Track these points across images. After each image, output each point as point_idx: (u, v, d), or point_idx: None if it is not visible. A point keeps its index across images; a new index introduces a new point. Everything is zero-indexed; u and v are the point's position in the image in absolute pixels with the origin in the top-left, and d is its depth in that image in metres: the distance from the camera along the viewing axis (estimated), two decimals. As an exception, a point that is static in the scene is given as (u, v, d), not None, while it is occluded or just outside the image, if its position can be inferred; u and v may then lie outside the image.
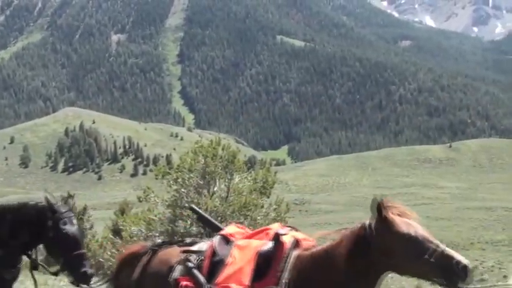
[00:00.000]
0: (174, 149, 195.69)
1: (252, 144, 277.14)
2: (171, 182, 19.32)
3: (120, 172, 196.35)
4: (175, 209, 18.95)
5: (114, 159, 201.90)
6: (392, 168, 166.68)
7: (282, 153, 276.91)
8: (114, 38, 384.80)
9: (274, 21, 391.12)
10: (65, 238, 5.32)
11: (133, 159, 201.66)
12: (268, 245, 4.87)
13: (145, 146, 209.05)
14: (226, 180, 19.32)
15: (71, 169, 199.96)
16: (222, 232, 5.20)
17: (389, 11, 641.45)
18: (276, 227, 5.15)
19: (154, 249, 5.41)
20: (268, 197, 19.88)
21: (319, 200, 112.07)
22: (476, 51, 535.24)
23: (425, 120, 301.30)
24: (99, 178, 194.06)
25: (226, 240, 5.09)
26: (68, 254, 5.28)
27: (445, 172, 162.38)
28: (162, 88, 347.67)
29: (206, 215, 5.93)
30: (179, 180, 19.16)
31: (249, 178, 19.79)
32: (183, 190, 19.01)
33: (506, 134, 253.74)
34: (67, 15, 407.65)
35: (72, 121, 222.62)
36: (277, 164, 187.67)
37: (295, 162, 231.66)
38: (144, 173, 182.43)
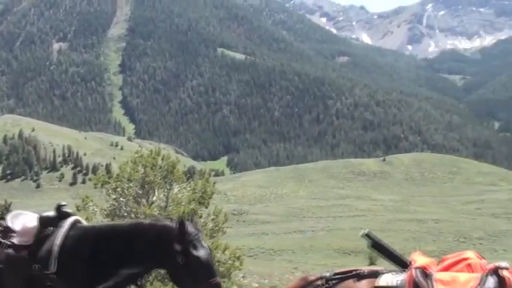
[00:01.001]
0: (114, 158, 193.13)
1: (192, 155, 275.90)
2: (110, 191, 19.13)
3: (59, 181, 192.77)
4: (114, 218, 18.76)
5: (53, 167, 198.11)
6: (328, 180, 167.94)
7: (221, 164, 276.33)
8: (56, 46, 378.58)
9: (215, 34, 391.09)
10: (197, 264, 4.37)
11: (72, 168, 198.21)
12: (488, 282, 4.05)
13: (85, 155, 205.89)
14: (166, 190, 19.23)
15: (8, 177, 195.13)
16: (419, 264, 4.47)
17: (327, 27, 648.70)
18: (471, 256, 4.44)
19: (332, 282, 4.66)
20: (206, 207, 19.86)
21: (257, 211, 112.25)
22: (410, 68, 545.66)
23: (360, 134, 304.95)
24: (38, 186, 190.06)
25: (425, 273, 4.37)
26: (202, 282, 4.35)
27: (379, 185, 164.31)
28: (103, 97, 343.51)
29: (384, 243, 4.96)
30: (118, 189, 18.98)
31: (188, 188, 19.75)
32: (122, 199, 18.83)
33: (437, 149, 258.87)
34: (8, 22, 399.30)
35: (11, 128, 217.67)
36: (216, 175, 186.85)
37: (234, 173, 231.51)
38: (83, 182, 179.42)
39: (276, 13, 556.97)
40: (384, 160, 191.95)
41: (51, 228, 4.93)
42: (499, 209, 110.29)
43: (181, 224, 4.43)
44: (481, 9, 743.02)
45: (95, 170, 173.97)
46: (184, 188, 19.61)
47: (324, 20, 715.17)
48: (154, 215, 17.66)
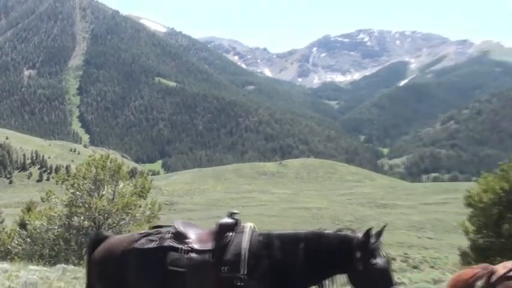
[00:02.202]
0: (72, 161, 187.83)
1: (134, 159, 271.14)
2: (69, 186, 18.74)
3: (28, 178, 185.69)
4: (72, 208, 18.37)
5: (23, 168, 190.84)
6: (239, 178, 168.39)
7: (157, 166, 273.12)
8: (26, 73, 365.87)
9: (153, 66, 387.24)
10: (376, 271, 3.90)
11: (39, 168, 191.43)
12: None
13: (49, 158, 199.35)
14: (113, 185, 18.92)
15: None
16: None
17: (239, 63, 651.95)
18: None
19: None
20: (145, 199, 19.64)
21: (184, 202, 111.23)
22: (300, 95, 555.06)
23: (263, 144, 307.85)
24: (10, 182, 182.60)
25: None
26: None
27: (276, 182, 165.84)
28: (64, 113, 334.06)
29: None
30: (75, 185, 18.61)
31: (131, 184, 19.49)
32: (78, 193, 18.46)
33: (320, 155, 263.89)
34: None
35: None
36: (153, 174, 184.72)
37: (167, 173, 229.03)
38: (48, 179, 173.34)
39: (200, 51, 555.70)
40: (281, 163, 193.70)
41: (231, 233, 4.40)
42: (364, 200, 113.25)
43: (367, 234, 3.98)
44: (352, 53, 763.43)
45: (57, 170, 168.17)
46: (128, 184, 19.35)
47: (236, 57, 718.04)
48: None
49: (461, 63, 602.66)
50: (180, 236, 4.37)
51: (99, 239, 4.73)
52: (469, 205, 20.92)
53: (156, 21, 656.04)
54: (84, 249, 16.11)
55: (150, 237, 4.42)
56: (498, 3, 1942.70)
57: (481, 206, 20.08)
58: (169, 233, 4.43)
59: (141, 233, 4.58)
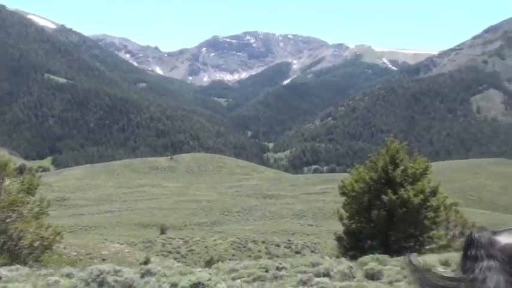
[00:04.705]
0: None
1: (23, 156, 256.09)
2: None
3: None
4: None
5: None
6: (131, 173, 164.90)
7: (47, 162, 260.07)
8: None
9: (42, 63, 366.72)
10: None
11: None
12: None
13: None
14: (-1, 183, 17.84)
15: None
16: None
17: (131, 61, 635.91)
18: None
19: None
20: (33, 196, 18.71)
21: (76, 197, 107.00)
22: (190, 93, 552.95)
23: (154, 140, 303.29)
24: None
25: None
26: None
27: (168, 176, 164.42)
28: None
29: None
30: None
31: (18, 181, 18.49)
32: (-40, 191, 17.22)
33: (210, 150, 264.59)
34: None
35: None
36: (44, 171, 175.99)
37: (58, 169, 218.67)
38: None
39: (92, 49, 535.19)
40: (172, 158, 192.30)
41: None
42: (251, 191, 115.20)
43: None
44: (239, 53, 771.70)
45: None
46: (15, 181, 18.31)
47: (127, 55, 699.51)
48: None
49: (337, 64, 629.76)
50: None
51: None
52: (343, 194, 21.98)
53: (45, 17, 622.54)
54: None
55: None
56: (371, 10, 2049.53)
57: (353, 194, 21.19)
58: None
59: None
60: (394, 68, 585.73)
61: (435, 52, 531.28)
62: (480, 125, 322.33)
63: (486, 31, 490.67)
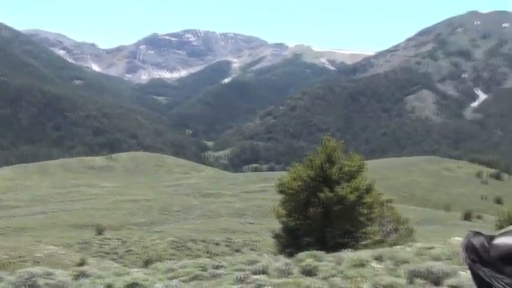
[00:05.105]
0: None
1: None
2: None
3: None
4: None
5: None
6: (66, 173, 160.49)
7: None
8: None
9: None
10: None
11: None
12: None
13: None
14: None
15: None
16: None
17: (66, 57, 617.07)
18: None
19: None
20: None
21: (7, 198, 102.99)
22: (128, 90, 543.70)
23: (91, 139, 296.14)
24: None
25: None
26: None
27: (105, 176, 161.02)
28: None
29: None
30: None
31: None
32: None
33: (148, 149, 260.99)
34: None
35: None
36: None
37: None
38: None
39: (25, 44, 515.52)
40: (109, 157, 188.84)
41: None
42: (190, 190, 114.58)
43: None
44: (179, 51, 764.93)
45: None
46: None
47: (63, 52, 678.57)
48: None
49: (277, 64, 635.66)
50: None
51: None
52: (281, 192, 22.24)
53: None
54: None
55: None
56: (310, 10, 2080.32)
57: (291, 192, 21.49)
58: None
59: None
60: (332, 68, 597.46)
61: (372, 53, 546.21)
62: (414, 124, 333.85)
63: (419, 34, 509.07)
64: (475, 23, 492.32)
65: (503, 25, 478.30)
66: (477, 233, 3.01)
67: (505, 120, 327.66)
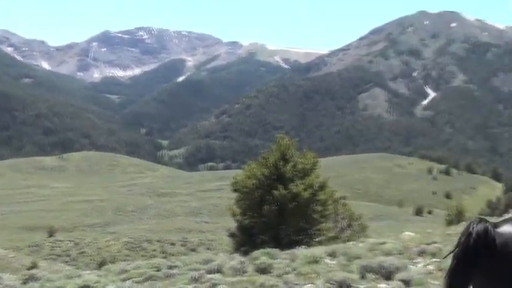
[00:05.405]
0: None
1: None
2: None
3: None
4: None
5: None
6: (16, 174, 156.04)
7: None
8: None
9: None
10: None
11: None
12: None
13: None
14: None
15: None
16: None
17: (14, 55, 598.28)
18: None
19: None
20: None
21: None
22: (80, 89, 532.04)
23: (42, 138, 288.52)
24: None
25: None
26: None
27: (57, 176, 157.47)
28: None
29: None
30: None
31: None
32: None
33: (101, 148, 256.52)
34: None
35: None
36: None
37: None
38: None
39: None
40: (61, 157, 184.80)
41: None
42: (145, 190, 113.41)
43: None
44: (132, 49, 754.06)
45: None
46: None
47: (11, 49, 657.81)
48: None
49: (232, 62, 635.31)
50: None
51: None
52: (235, 190, 22.25)
53: None
54: None
55: None
56: (264, 9, 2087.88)
57: (246, 190, 21.53)
58: None
59: None
60: (287, 66, 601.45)
61: (325, 51, 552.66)
62: (366, 122, 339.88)
63: (371, 33, 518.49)
64: (425, 22, 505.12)
65: (451, 25, 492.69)
66: (481, 220, 3.15)
67: (454, 118, 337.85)
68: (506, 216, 3.88)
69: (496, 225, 3.15)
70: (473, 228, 3.16)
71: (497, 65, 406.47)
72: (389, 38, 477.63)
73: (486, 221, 3.18)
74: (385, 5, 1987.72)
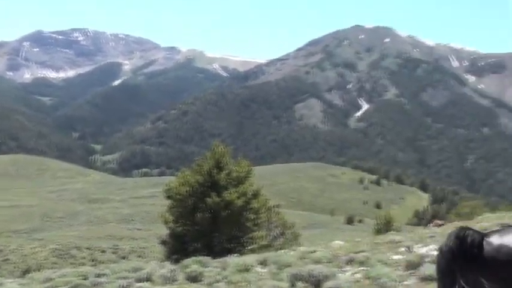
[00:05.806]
0: None
1: None
2: None
3: None
4: None
5: None
6: None
7: None
8: None
9: None
10: None
11: None
12: None
13: None
14: None
15: None
16: None
17: None
18: None
19: None
20: None
21: None
22: (10, 89, 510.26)
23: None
24: None
25: None
26: None
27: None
28: None
29: None
30: None
31: None
32: None
33: (31, 151, 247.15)
34: None
35: None
36: None
37: None
38: None
39: None
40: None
41: None
42: (75, 195, 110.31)
43: None
44: (66, 50, 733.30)
45: None
46: None
47: None
48: None
49: (169, 67, 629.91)
50: None
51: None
52: (168, 197, 22.02)
53: None
54: None
55: None
56: (203, 16, 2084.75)
57: (179, 197, 21.34)
58: None
59: None
60: (225, 74, 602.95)
61: (263, 61, 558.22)
62: (302, 131, 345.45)
63: (309, 44, 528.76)
64: (360, 36, 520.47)
65: (385, 40, 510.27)
66: (468, 229, 3.27)
67: (385, 130, 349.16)
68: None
69: (486, 235, 3.25)
70: (466, 235, 3.25)
71: (427, 80, 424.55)
72: (326, 50, 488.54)
73: (476, 231, 3.30)
74: (322, 18, 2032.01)
